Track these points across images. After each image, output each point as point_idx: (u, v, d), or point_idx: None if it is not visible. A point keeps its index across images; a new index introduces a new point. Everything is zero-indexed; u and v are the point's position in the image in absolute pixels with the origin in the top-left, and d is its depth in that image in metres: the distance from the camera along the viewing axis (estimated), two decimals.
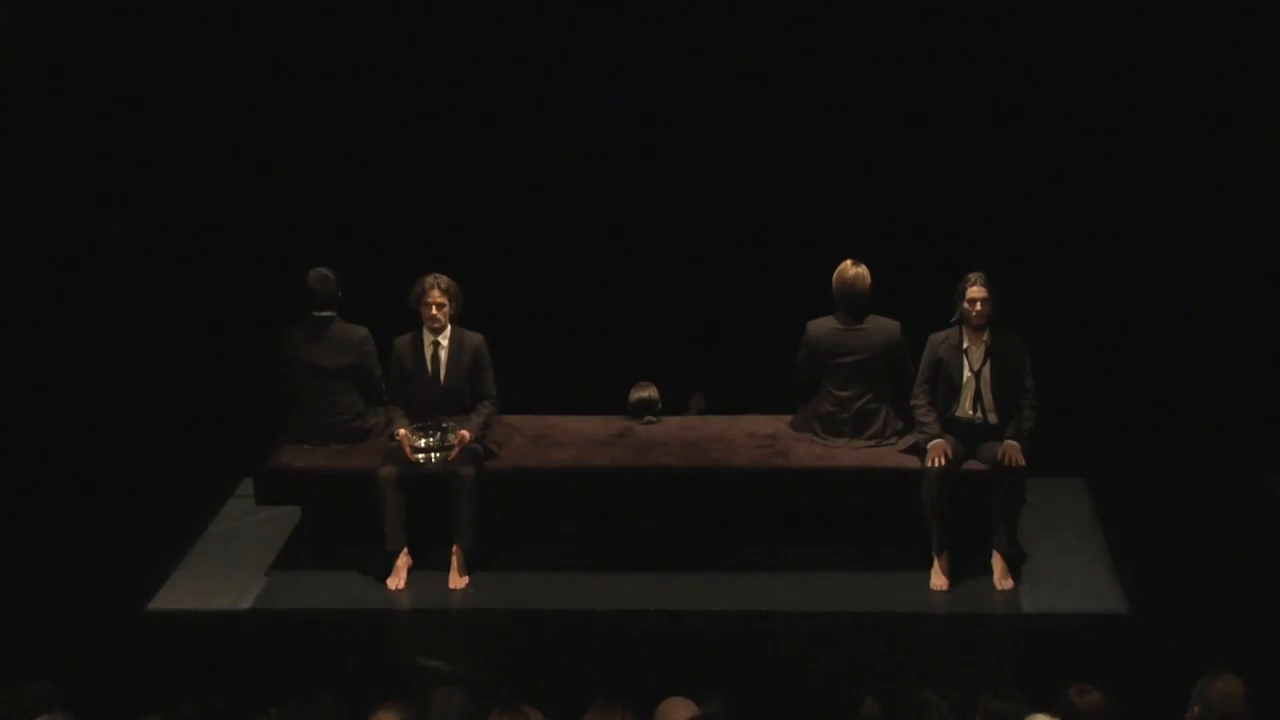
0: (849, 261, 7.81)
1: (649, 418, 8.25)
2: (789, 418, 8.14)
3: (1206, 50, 9.25)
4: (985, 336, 7.64)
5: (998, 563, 7.59)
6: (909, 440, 7.80)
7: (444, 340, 7.87)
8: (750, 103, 9.68)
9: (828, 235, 8.88)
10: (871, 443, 7.83)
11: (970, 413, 7.67)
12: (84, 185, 9.81)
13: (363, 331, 8.00)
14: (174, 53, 9.67)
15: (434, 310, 7.79)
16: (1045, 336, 8.16)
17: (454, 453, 7.68)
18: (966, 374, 7.65)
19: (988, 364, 7.64)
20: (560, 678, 6.85)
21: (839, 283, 7.79)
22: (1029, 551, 7.82)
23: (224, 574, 7.83)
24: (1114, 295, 9.62)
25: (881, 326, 7.81)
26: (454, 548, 7.69)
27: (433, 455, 7.67)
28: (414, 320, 7.88)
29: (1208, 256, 9.53)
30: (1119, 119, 9.36)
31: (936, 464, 7.50)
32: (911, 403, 7.77)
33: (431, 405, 7.86)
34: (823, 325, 7.84)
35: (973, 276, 7.61)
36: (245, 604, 7.57)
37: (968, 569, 7.62)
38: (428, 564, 7.77)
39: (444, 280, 7.81)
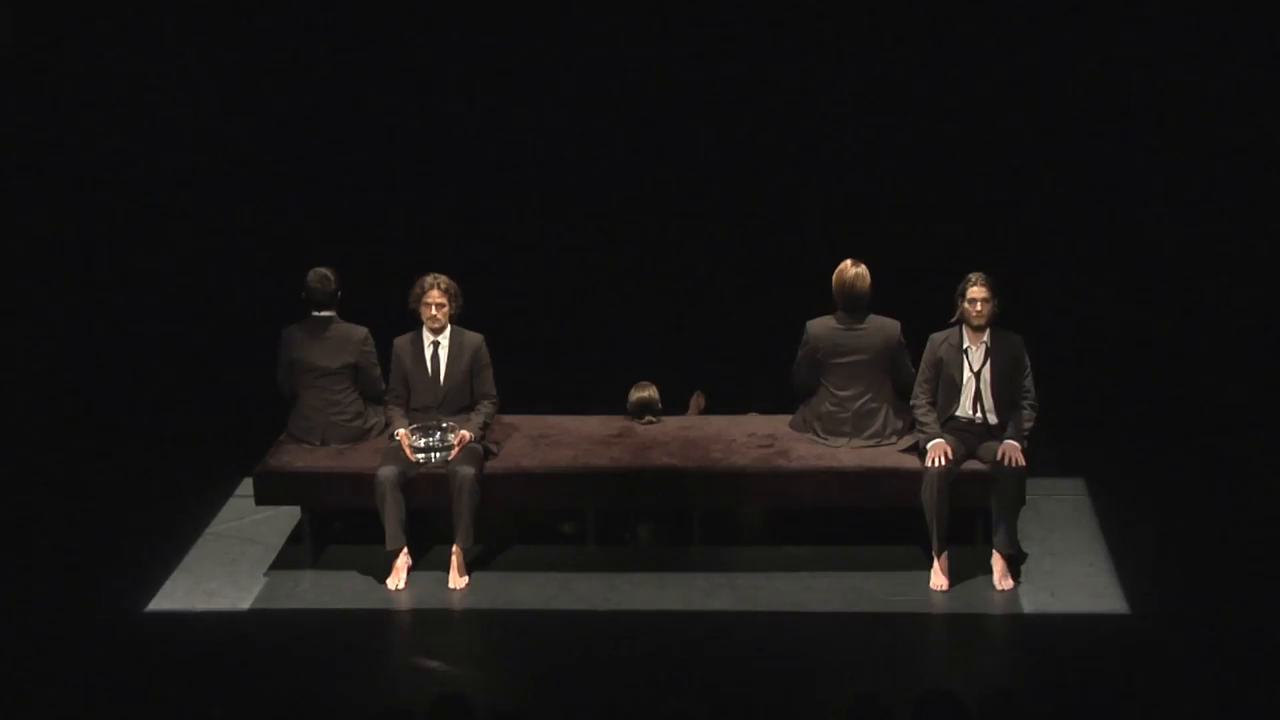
0: (849, 261, 7.81)
1: (649, 418, 8.25)
2: (789, 418, 8.14)
3: (1202, 49, 9.24)
4: (985, 337, 7.64)
5: (998, 563, 7.58)
6: (909, 440, 7.80)
7: (444, 340, 7.88)
8: (751, 102, 9.68)
9: (827, 235, 8.88)
10: (871, 443, 7.83)
11: (970, 413, 7.67)
12: (84, 184, 9.80)
13: (362, 331, 8.00)
14: (174, 50, 9.67)
15: (434, 310, 7.80)
16: (1045, 336, 8.15)
17: (454, 453, 7.69)
18: (966, 374, 7.65)
19: (988, 364, 7.64)
20: (560, 678, 6.84)
21: (839, 283, 7.79)
22: (1029, 551, 7.81)
23: (224, 574, 7.83)
24: (1114, 295, 9.61)
25: (881, 326, 7.81)
26: (454, 548, 7.68)
27: (433, 455, 7.68)
28: (414, 320, 7.89)
29: (1207, 255, 9.53)
30: (1117, 118, 9.36)
31: (936, 464, 7.49)
32: (911, 403, 7.77)
33: (431, 405, 7.88)
34: (823, 325, 7.84)
35: (973, 276, 7.61)
36: (245, 604, 7.56)
37: (968, 569, 7.62)
38: (428, 564, 7.77)
39: (444, 280, 7.82)
